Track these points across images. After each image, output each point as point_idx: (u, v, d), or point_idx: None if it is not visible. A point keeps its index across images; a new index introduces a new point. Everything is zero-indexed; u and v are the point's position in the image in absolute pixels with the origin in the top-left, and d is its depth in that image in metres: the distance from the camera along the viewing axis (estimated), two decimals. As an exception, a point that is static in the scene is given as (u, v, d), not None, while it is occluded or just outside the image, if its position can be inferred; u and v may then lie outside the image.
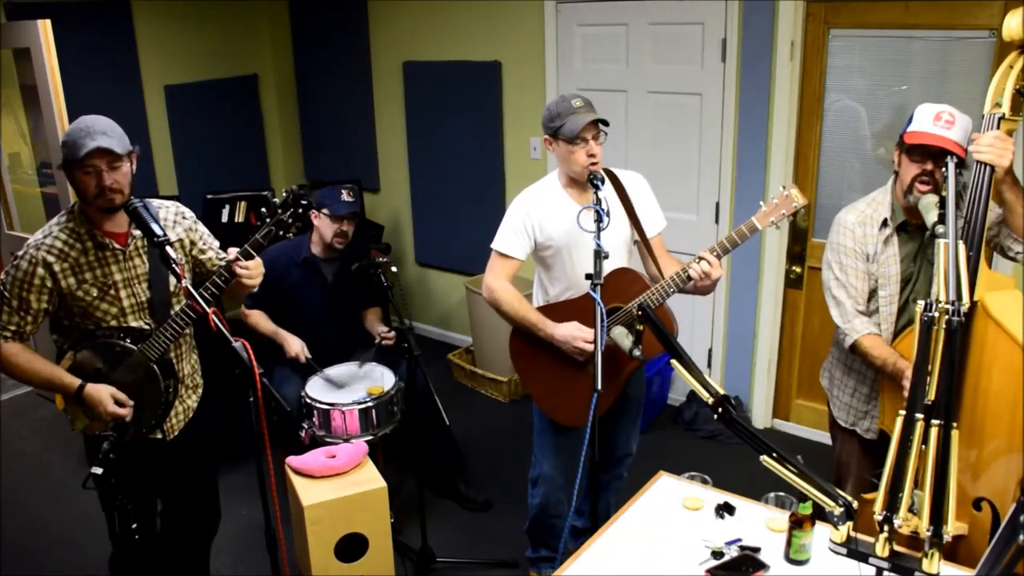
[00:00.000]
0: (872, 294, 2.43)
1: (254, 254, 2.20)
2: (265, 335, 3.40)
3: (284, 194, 2.19)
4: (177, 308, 2.31)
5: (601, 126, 2.45)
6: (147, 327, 2.29)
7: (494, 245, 2.63)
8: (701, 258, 2.36)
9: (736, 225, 3.95)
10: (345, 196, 3.39)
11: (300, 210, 2.18)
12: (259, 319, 3.43)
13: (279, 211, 2.18)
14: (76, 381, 2.21)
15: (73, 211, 2.24)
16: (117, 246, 2.24)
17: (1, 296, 2.19)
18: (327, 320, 3.47)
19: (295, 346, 3.35)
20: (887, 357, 2.32)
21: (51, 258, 2.17)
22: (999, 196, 2.15)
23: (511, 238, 2.60)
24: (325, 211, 3.36)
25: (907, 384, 2.22)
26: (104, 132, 2.13)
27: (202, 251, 2.43)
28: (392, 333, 3.40)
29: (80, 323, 2.25)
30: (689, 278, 2.38)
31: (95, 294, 2.22)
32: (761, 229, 2.37)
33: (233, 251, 2.21)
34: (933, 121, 2.22)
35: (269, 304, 3.43)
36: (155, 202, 2.30)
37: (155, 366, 2.27)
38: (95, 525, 2.47)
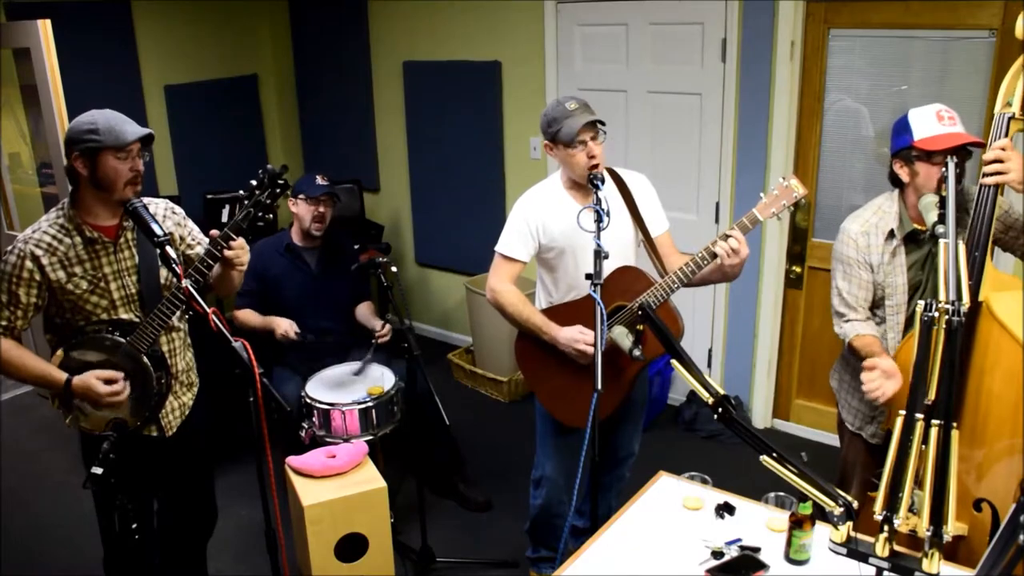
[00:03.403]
0: (879, 303, 2.41)
1: (235, 237, 2.18)
2: (256, 328, 3.38)
3: (260, 174, 2.16)
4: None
5: (599, 126, 2.45)
6: (137, 319, 2.30)
7: (498, 248, 2.63)
8: (727, 235, 2.30)
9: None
10: (319, 180, 3.45)
11: (278, 189, 2.16)
12: (248, 316, 3.42)
13: (257, 192, 2.16)
14: (63, 376, 2.22)
15: (63, 207, 2.25)
16: (106, 239, 2.26)
17: None
18: (316, 308, 3.47)
19: (283, 324, 3.33)
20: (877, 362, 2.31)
21: (39, 251, 2.18)
22: None
23: (514, 240, 2.60)
24: (301, 196, 3.42)
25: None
26: (132, 122, 2.21)
27: (190, 247, 2.44)
28: (387, 330, 3.39)
29: (71, 318, 2.26)
30: (714, 256, 2.32)
31: (85, 287, 2.23)
32: (762, 220, 2.35)
33: (214, 232, 2.19)
34: (938, 123, 2.21)
35: (259, 299, 3.45)
36: (144, 199, 2.31)
37: (145, 358, 2.27)
38: (95, 525, 2.47)
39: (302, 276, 3.49)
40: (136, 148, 2.20)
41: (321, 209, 3.42)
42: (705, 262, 2.36)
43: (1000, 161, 2.07)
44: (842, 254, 2.42)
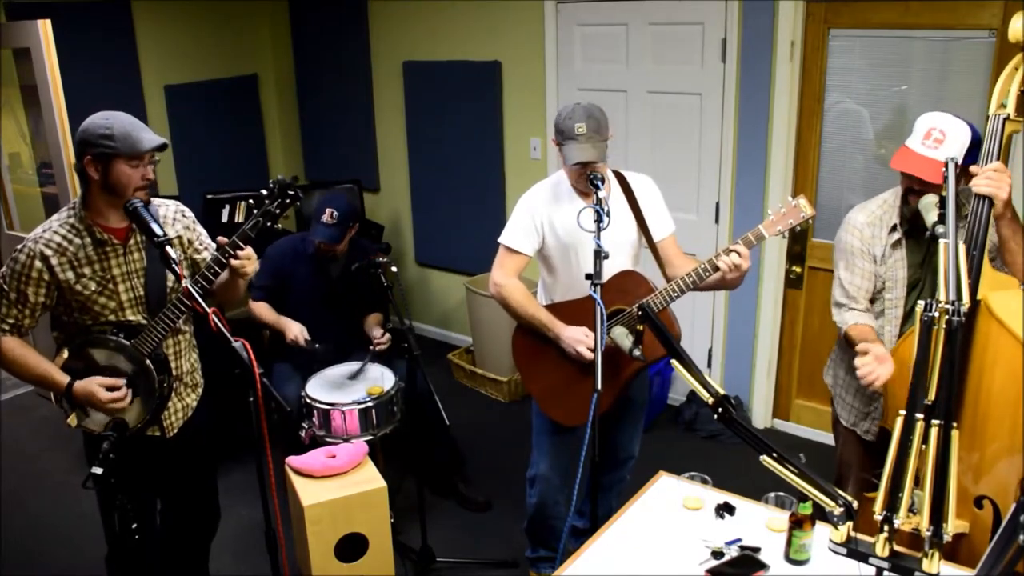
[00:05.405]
0: (878, 295, 2.43)
1: (243, 246, 2.19)
2: (268, 324, 3.44)
3: (271, 184, 2.18)
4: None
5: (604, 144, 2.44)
6: (144, 321, 2.30)
7: (502, 240, 2.62)
8: (731, 250, 2.34)
9: (736, 226, 3.97)
10: (326, 219, 3.33)
11: (287, 200, 2.17)
12: (263, 310, 3.46)
13: (266, 201, 2.17)
14: (65, 379, 2.22)
15: (75, 207, 2.25)
16: (116, 241, 2.26)
17: (0, 289, 2.21)
18: (328, 316, 3.47)
19: (294, 329, 3.35)
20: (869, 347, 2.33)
21: (48, 251, 2.18)
22: (997, 232, 2.15)
23: (519, 233, 2.59)
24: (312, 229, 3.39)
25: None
26: (148, 129, 2.19)
27: (197, 251, 2.44)
28: (386, 338, 3.38)
29: (79, 318, 2.26)
30: (716, 269, 2.37)
31: (93, 288, 2.23)
32: (767, 237, 2.37)
33: (221, 240, 2.20)
34: (923, 139, 2.22)
35: (276, 296, 3.47)
36: (155, 200, 2.31)
37: (148, 361, 2.27)
38: (94, 525, 2.48)
39: (321, 284, 3.48)
40: (149, 156, 2.19)
41: (325, 247, 3.39)
42: (707, 273, 2.39)
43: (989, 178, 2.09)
44: (847, 243, 2.44)
